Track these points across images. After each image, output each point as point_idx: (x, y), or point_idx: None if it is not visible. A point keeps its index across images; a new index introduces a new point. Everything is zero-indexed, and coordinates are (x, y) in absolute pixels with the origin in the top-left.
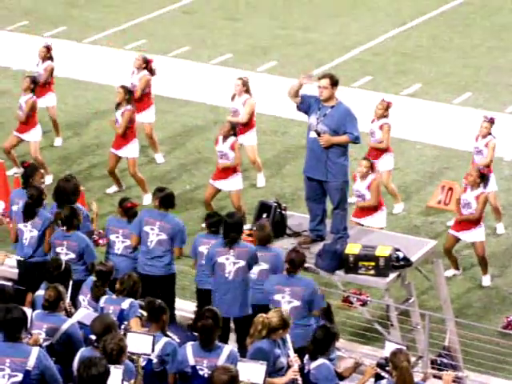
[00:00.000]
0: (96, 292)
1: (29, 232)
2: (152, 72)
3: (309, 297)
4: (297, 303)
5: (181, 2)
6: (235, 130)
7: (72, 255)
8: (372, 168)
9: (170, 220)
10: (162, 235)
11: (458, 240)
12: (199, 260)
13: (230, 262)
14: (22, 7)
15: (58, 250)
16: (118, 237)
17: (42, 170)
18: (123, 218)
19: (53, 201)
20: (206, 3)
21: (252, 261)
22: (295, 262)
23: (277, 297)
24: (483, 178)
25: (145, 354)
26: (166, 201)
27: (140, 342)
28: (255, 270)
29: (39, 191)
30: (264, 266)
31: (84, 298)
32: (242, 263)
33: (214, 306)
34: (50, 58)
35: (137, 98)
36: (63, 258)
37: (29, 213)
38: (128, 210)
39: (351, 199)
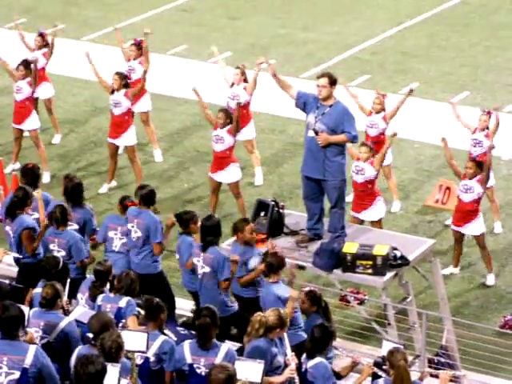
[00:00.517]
0: (94, 292)
1: (10, 235)
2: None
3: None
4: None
5: (179, 1)
6: (231, 117)
7: (63, 252)
8: (371, 151)
9: (146, 216)
10: (138, 232)
11: (462, 234)
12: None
13: (200, 266)
14: (21, 5)
15: (51, 246)
16: (116, 234)
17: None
18: (122, 215)
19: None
20: (204, 2)
21: (219, 268)
22: (273, 266)
23: None
24: (480, 165)
25: (139, 352)
26: (146, 198)
27: (135, 340)
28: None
29: (26, 194)
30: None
31: (82, 297)
32: (207, 269)
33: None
34: (46, 46)
35: (134, 84)
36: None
37: (10, 212)
38: (128, 209)
39: (349, 198)
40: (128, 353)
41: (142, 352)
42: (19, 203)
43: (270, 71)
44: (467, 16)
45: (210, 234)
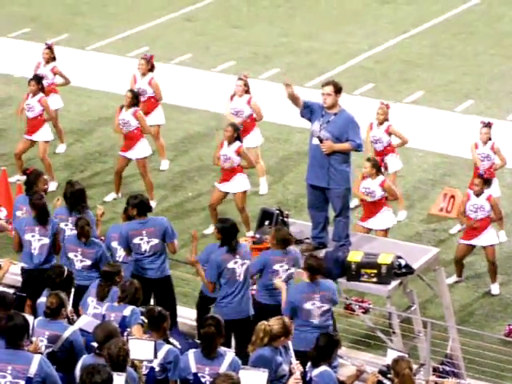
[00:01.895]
0: (100, 292)
1: (37, 241)
2: (153, 67)
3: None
4: (327, 306)
5: (183, 10)
6: (239, 132)
7: (88, 262)
8: (376, 167)
9: (153, 223)
10: (153, 240)
11: (471, 249)
12: None
13: (239, 265)
14: (25, 14)
15: (71, 255)
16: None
17: (46, 176)
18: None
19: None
20: (208, 11)
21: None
22: (313, 268)
23: (307, 305)
24: (488, 183)
25: (147, 360)
26: (142, 207)
27: (142, 348)
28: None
29: (42, 198)
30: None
31: (93, 299)
32: (248, 262)
33: (219, 311)
34: (54, 59)
35: (145, 101)
36: (78, 264)
37: (42, 219)
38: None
39: (353, 202)
40: (135, 361)
41: (150, 361)
42: (46, 209)
43: (287, 88)
44: (471, 24)
45: (234, 235)
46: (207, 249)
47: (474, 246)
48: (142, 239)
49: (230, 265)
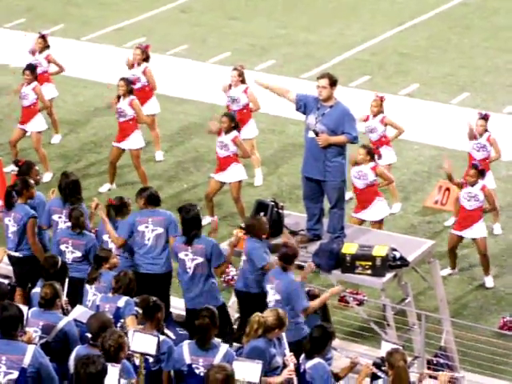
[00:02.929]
0: (90, 275)
1: (11, 226)
2: (148, 57)
3: (286, 295)
4: (278, 297)
5: (179, 1)
6: (235, 121)
7: (78, 253)
8: (371, 154)
9: (161, 213)
10: (158, 229)
11: (461, 239)
12: None
13: (189, 259)
14: (21, 5)
15: (63, 247)
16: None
17: (37, 167)
18: (117, 218)
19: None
20: (204, 2)
21: (211, 256)
22: (288, 256)
23: (267, 287)
24: (482, 174)
25: (148, 354)
26: (152, 199)
27: (145, 342)
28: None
29: (23, 182)
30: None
31: (91, 286)
32: (200, 259)
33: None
34: (48, 47)
35: (139, 91)
36: (68, 256)
37: (8, 203)
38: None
39: (347, 194)
40: (136, 354)
41: (151, 355)
42: (17, 193)
43: (259, 84)
44: (467, 17)
45: (192, 226)
46: None
47: (462, 238)
48: (147, 227)
49: (181, 255)
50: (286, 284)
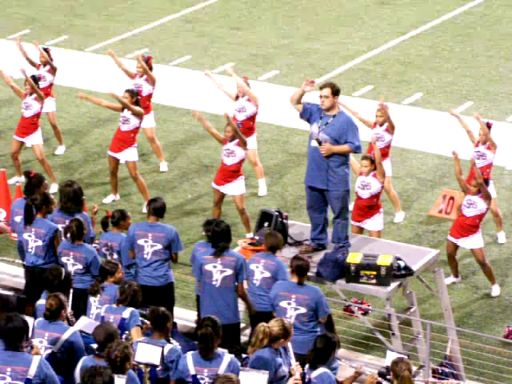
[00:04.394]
0: (92, 287)
1: (33, 242)
2: (151, 68)
3: (315, 304)
4: (303, 310)
5: (183, 11)
6: (239, 133)
7: (79, 266)
8: (373, 164)
9: (163, 229)
10: (157, 245)
11: (457, 246)
12: None
13: (217, 271)
14: (24, 16)
15: (64, 260)
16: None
17: (46, 181)
18: (116, 231)
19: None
20: (208, 12)
21: (240, 270)
22: (303, 269)
23: (283, 303)
24: (486, 183)
25: (153, 365)
26: (159, 210)
27: (149, 352)
28: (258, 276)
29: (44, 197)
30: (267, 273)
31: (95, 299)
32: (229, 272)
33: (202, 312)
34: (51, 61)
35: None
36: (70, 268)
37: (28, 217)
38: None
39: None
40: (140, 365)
41: (155, 366)
42: (37, 207)
43: (306, 88)
44: (470, 26)
45: (222, 239)
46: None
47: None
48: (146, 241)
49: (209, 267)
50: (312, 294)
